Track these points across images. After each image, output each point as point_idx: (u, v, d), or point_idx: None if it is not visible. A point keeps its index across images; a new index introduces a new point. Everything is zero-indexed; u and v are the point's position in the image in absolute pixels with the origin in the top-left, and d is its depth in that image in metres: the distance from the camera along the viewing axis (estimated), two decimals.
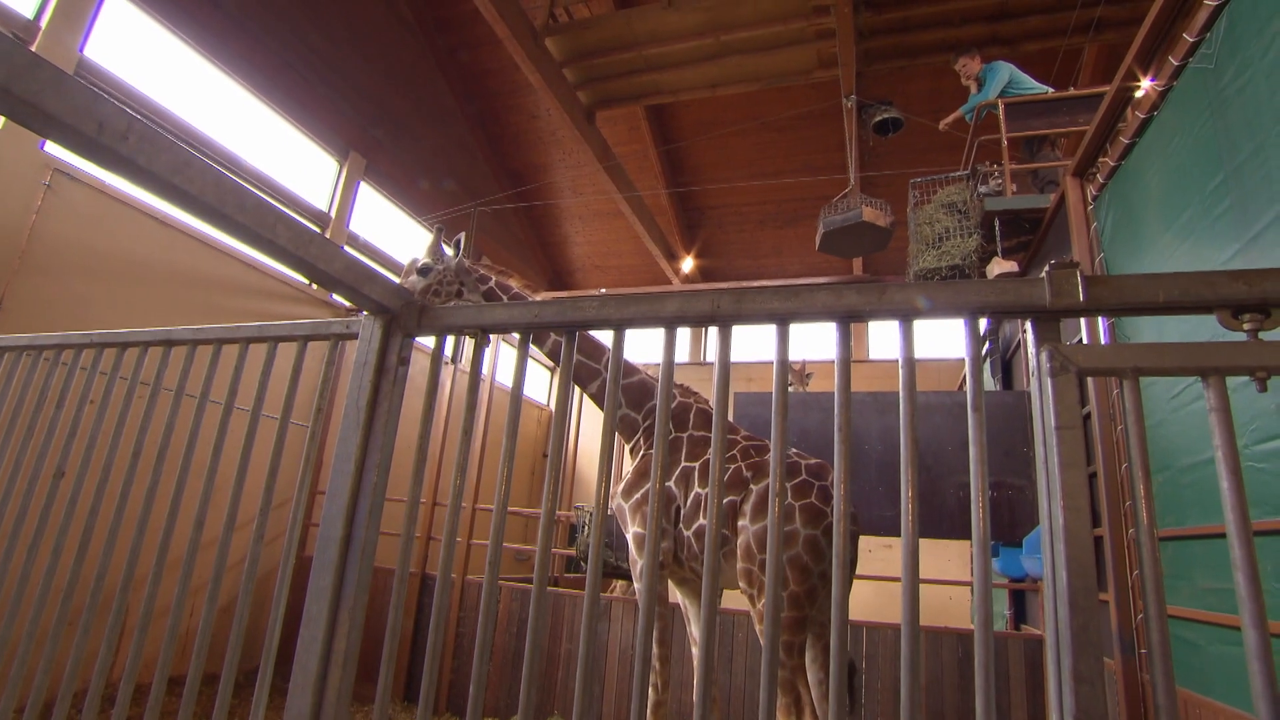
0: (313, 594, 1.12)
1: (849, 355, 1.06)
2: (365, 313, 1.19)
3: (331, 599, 1.10)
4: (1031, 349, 0.92)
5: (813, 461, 3.27)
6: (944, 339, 10.80)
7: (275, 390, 1.39)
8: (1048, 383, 0.85)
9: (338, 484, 1.10)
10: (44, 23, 5.21)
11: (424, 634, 5.98)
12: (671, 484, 3.30)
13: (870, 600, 7.67)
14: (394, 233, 9.16)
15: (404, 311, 1.15)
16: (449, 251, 3.54)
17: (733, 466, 3.31)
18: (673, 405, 3.55)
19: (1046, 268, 0.89)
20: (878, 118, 7.70)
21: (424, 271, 3.44)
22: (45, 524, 1.72)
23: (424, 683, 1.03)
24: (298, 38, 7.53)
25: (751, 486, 3.14)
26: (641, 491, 3.21)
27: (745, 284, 10.16)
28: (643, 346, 12.36)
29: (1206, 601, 2.43)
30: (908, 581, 0.93)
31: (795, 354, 8.56)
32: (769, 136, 9.95)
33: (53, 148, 5.33)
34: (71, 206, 5.39)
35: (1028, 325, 0.97)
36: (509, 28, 6.61)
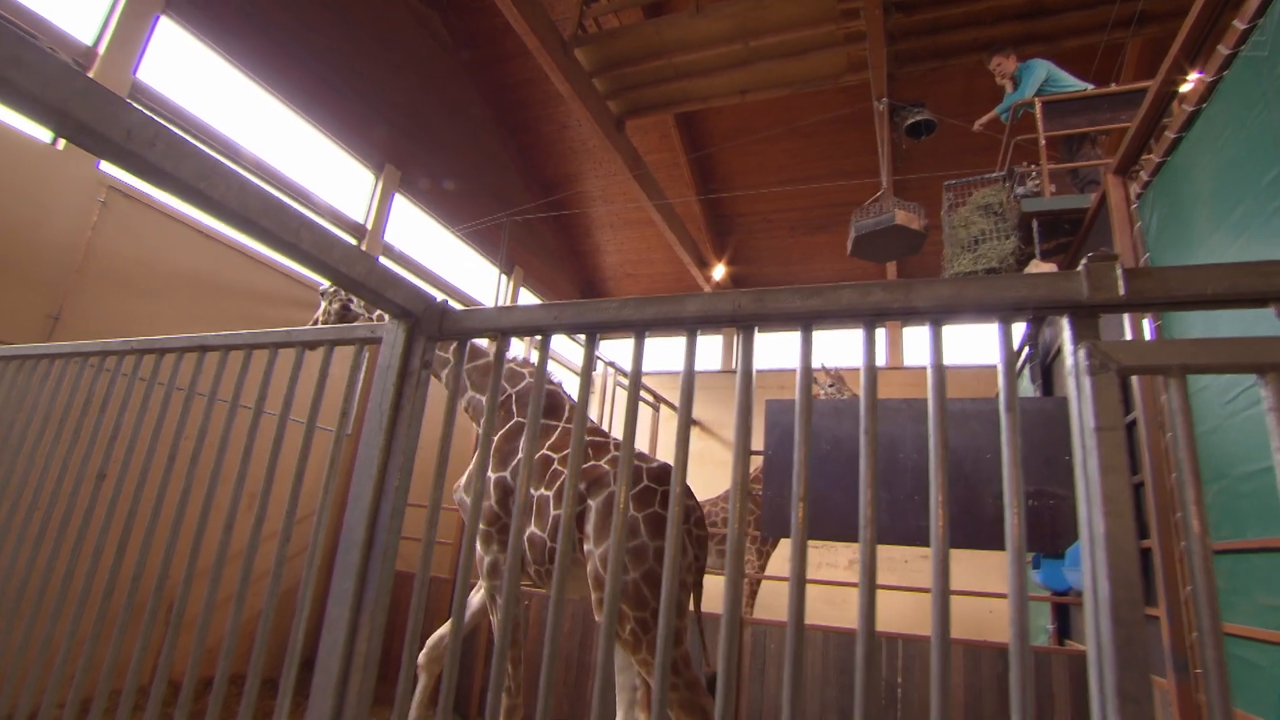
0: (335, 597, 1.13)
1: (874, 358, 1.03)
2: (389, 317, 1.20)
3: (353, 602, 1.11)
4: (1069, 347, 0.88)
5: (654, 465, 3.02)
6: (981, 344, 10.54)
7: (304, 396, 1.41)
8: (1086, 382, 0.81)
9: (361, 487, 1.10)
10: (102, 49, 5.45)
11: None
12: (507, 475, 3.03)
13: (908, 612, 7.48)
14: (429, 243, 9.32)
15: (426, 315, 1.16)
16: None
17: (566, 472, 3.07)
18: (518, 386, 3.35)
19: (1084, 261, 0.84)
20: (910, 120, 7.58)
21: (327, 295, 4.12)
22: (88, 525, 1.77)
23: (444, 687, 1.03)
24: (336, 56, 7.74)
25: (589, 501, 2.86)
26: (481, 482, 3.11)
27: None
28: (665, 354, 12.34)
29: (1267, 619, 2.30)
30: (938, 590, 0.89)
31: (831, 360, 8.44)
32: (799, 142, 9.88)
33: (108, 166, 5.55)
34: (124, 222, 5.61)
35: (1064, 324, 0.92)
36: (539, 39, 6.69)
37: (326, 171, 7.68)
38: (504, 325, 1.10)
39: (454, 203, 9.54)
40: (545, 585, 3.26)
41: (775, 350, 11.76)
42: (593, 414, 11.80)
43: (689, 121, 10.07)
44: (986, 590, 6.31)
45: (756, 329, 1.09)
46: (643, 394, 9.81)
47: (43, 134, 5.23)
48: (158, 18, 5.88)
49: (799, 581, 0.95)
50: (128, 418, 1.82)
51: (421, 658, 3.22)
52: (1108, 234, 3.64)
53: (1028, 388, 6.20)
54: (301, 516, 6.23)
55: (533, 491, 3.03)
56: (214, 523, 1.53)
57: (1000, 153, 5.93)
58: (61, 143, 5.29)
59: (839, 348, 11.51)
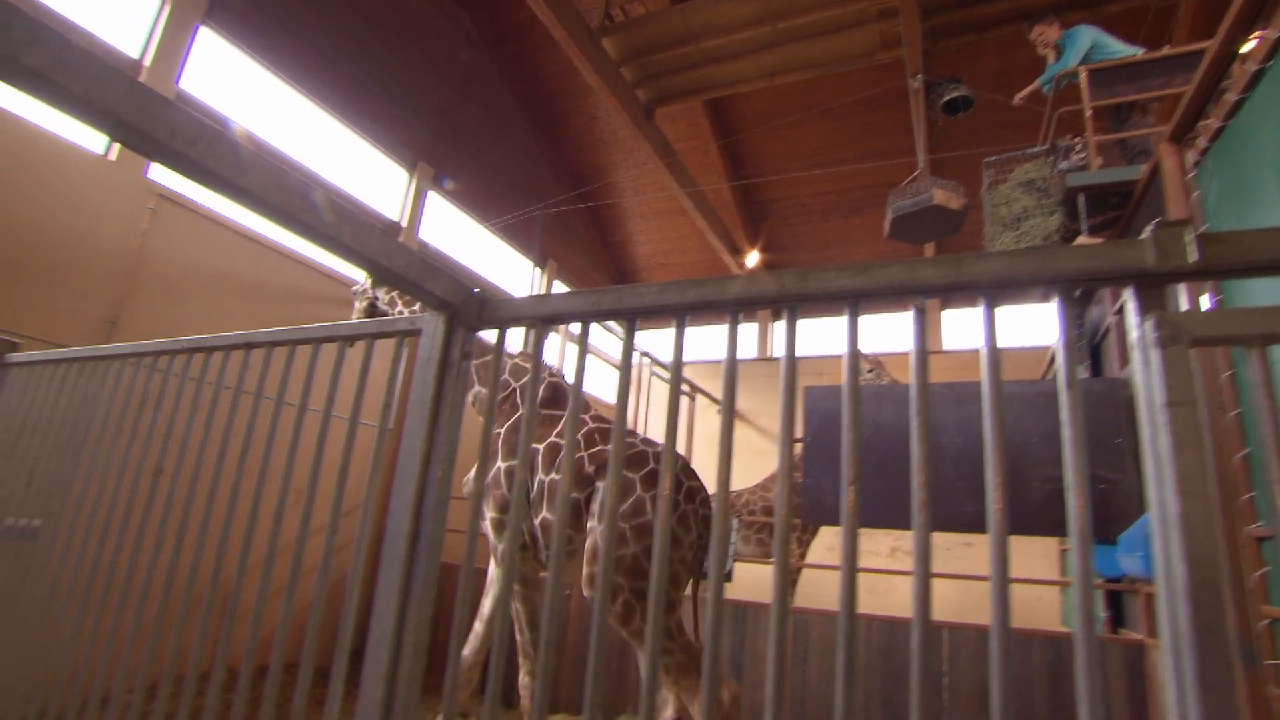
0: (382, 588, 1.14)
1: (924, 337, 0.99)
2: (429, 309, 1.20)
3: (400, 592, 1.12)
4: (1133, 319, 0.83)
5: (661, 449, 3.09)
6: (1023, 326, 10.23)
7: (346, 392, 1.43)
8: (1154, 355, 0.77)
9: (405, 478, 1.11)
10: (147, 60, 5.63)
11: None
12: (516, 464, 3.15)
13: (951, 600, 7.33)
14: (462, 239, 9.42)
15: (465, 306, 1.16)
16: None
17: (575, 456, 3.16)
18: (522, 380, 3.41)
19: (1150, 227, 0.80)
20: (946, 97, 7.35)
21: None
22: (148, 519, 1.83)
23: (491, 677, 1.03)
24: (368, 58, 7.85)
25: (597, 484, 2.98)
26: (490, 475, 3.13)
27: None
28: (701, 343, 12.27)
29: None
30: (997, 576, 0.85)
31: (866, 345, 8.29)
32: (831, 124, 9.69)
33: (155, 174, 5.74)
34: (173, 228, 5.79)
35: (1127, 296, 0.87)
36: (566, 30, 6.67)
37: (361, 171, 7.82)
38: (543, 313, 1.09)
39: (486, 198, 9.62)
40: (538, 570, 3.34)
41: (813, 336, 11.62)
42: (628, 404, 11.81)
43: (718, 107, 9.96)
44: (1033, 578, 6.16)
45: (800, 310, 1.06)
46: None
47: (95, 145, 5.42)
48: (197, 27, 6.03)
49: (850, 568, 0.92)
50: (180, 415, 1.88)
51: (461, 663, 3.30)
52: (1160, 206, 3.48)
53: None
54: (347, 510, 6.38)
55: (543, 478, 3.12)
56: (264, 517, 1.57)
57: (1042, 126, 5.72)
58: (114, 153, 5.48)
59: (877, 333, 11.31)
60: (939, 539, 8.77)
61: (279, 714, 4.63)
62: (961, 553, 8.72)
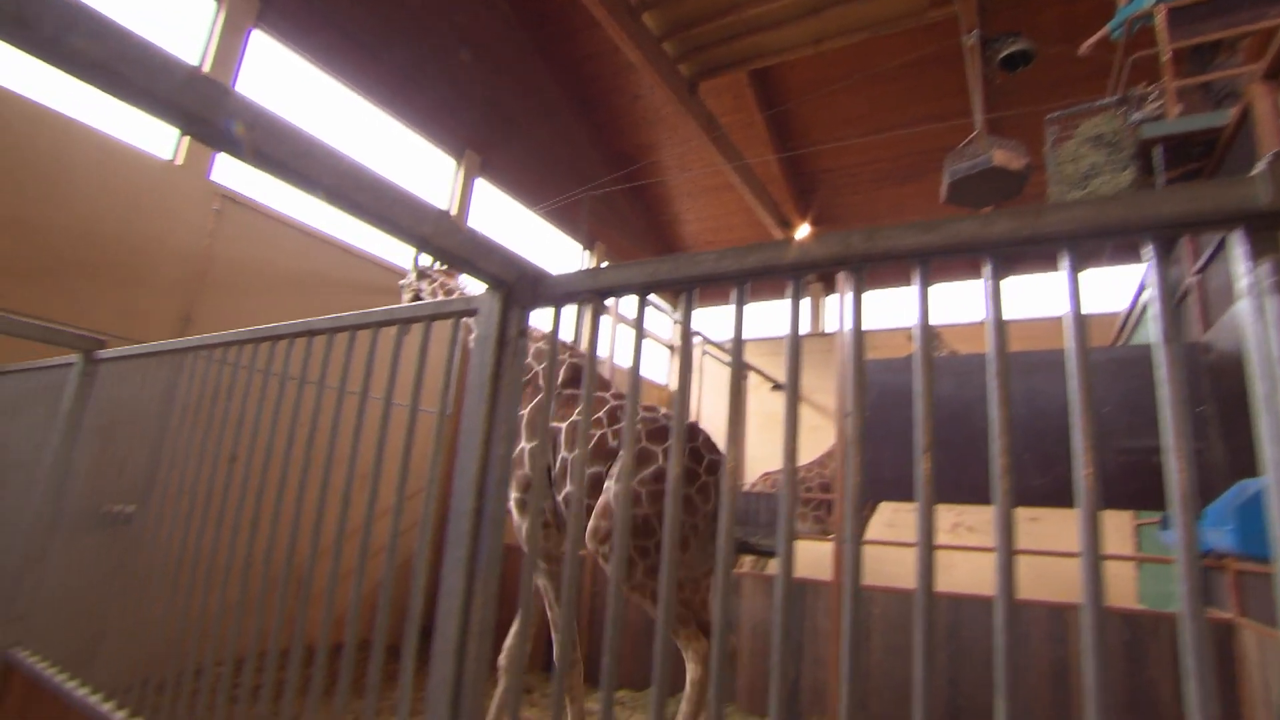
0: (449, 566, 1.16)
1: (999, 298, 0.93)
2: (485, 288, 1.20)
3: (466, 570, 1.13)
4: (1243, 265, 0.76)
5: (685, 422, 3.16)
6: (1092, 290, 9.71)
7: (405, 378, 1.45)
8: (1271, 303, 0.70)
9: (466, 457, 1.12)
10: (206, 67, 5.83)
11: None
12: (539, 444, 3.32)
13: (1017, 576, 7.07)
14: (511, 225, 9.50)
15: (520, 283, 1.15)
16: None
17: (598, 433, 3.21)
18: (544, 364, 3.46)
19: (1265, 160, 0.72)
20: (1005, 52, 6.97)
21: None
22: (226, 504, 1.92)
23: (557, 651, 1.03)
24: (413, 49, 7.95)
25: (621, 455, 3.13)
26: (514, 453, 3.28)
27: None
28: (751, 319, 12.09)
29: None
30: (1088, 548, 0.80)
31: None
32: (880, 89, 9.33)
33: (218, 175, 5.97)
34: (237, 228, 6.03)
35: (1234, 240, 0.80)
36: (606, 9, 6.60)
37: (410, 162, 7.96)
38: (598, 286, 1.07)
39: (533, 182, 9.67)
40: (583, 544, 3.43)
41: (867, 310, 11.30)
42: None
43: (763, 78, 9.71)
44: (1107, 554, 5.89)
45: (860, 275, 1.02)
46: (730, 360, 9.68)
47: (163, 150, 5.67)
48: (250, 30, 6.22)
49: (926, 543, 0.88)
50: (250, 404, 1.95)
51: (501, 659, 3.40)
52: (1251, 153, 3.22)
53: (1145, 335, 5.66)
54: (411, 493, 6.58)
55: (565, 455, 3.23)
56: (332, 500, 1.61)
57: (1112, 76, 5.36)
58: (180, 156, 5.72)
59: (934, 303, 10.96)
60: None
61: (355, 689, 4.83)
62: (1027, 528, 8.41)
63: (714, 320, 11.81)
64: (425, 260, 4.85)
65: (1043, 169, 5.32)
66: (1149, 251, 0.85)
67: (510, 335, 1.15)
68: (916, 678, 0.88)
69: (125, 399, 2.58)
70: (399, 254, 7.27)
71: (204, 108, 0.82)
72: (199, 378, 2.21)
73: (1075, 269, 0.88)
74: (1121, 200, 0.81)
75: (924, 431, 0.87)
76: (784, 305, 1.05)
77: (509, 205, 9.46)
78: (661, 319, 11.63)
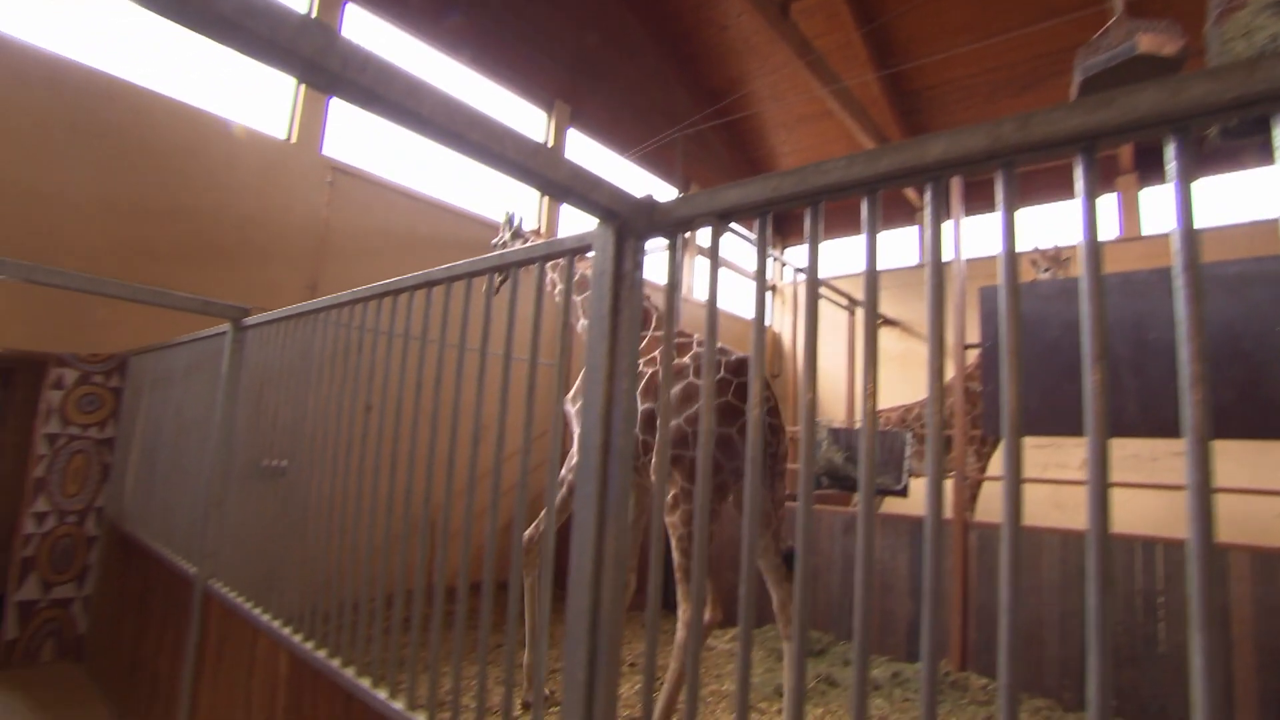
0: (580, 500, 1.17)
1: (1188, 183, 0.80)
2: (597, 223, 1.18)
3: (598, 503, 1.14)
4: None
5: (734, 358, 3.17)
6: (1243, 197, 8.47)
7: (525, 320, 1.48)
8: None
9: (592, 393, 1.12)
10: None
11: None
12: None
13: (1160, 515, 6.51)
14: (605, 173, 9.46)
15: (633, 214, 1.12)
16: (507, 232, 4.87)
17: (650, 371, 3.26)
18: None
19: None
20: None
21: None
22: (365, 451, 2.06)
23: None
24: (497, 3, 7.93)
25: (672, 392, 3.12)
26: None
27: None
28: (856, 254, 11.51)
29: None
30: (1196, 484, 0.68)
31: (1043, 240, 7.34)
32: None
33: (330, 149, 6.29)
34: (349, 197, 6.37)
35: None
36: None
37: (501, 118, 8.03)
38: (718, 207, 1.02)
39: (624, 128, 9.55)
40: (641, 477, 3.48)
41: (979, 235, 10.54)
42: (782, 323, 11.53)
43: None
44: (1270, 488, 5.29)
45: (1016, 168, 0.90)
46: (835, 296, 9.33)
47: (278, 130, 6.02)
48: (345, 4, 6.41)
49: (1100, 481, 0.79)
50: (379, 357, 2.06)
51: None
52: None
53: None
54: (537, 435, 6.88)
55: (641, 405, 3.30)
56: (462, 444, 1.69)
57: None
58: (294, 135, 6.06)
59: (1052, 226, 10.02)
60: (1142, 447, 7.79)
61: (496, 623, 5.20)
62: (1172, 463, 7.70)
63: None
64: (519, 221, 4.90)
65: (1202, 53, 4.61)
66: None
67: (626, 269, 1.12)
68: (1093, 617, 0.80)
69: (270, 361, 2.81)
70: (498, 210, 7.45)
71: (319, 53, 0.82)
72: (330, 335, 2.36)
73: None
74: None
75: (1094, 344, 0.76)
76: (886, 237, 0.95)
77: (601, 154, 9.40)
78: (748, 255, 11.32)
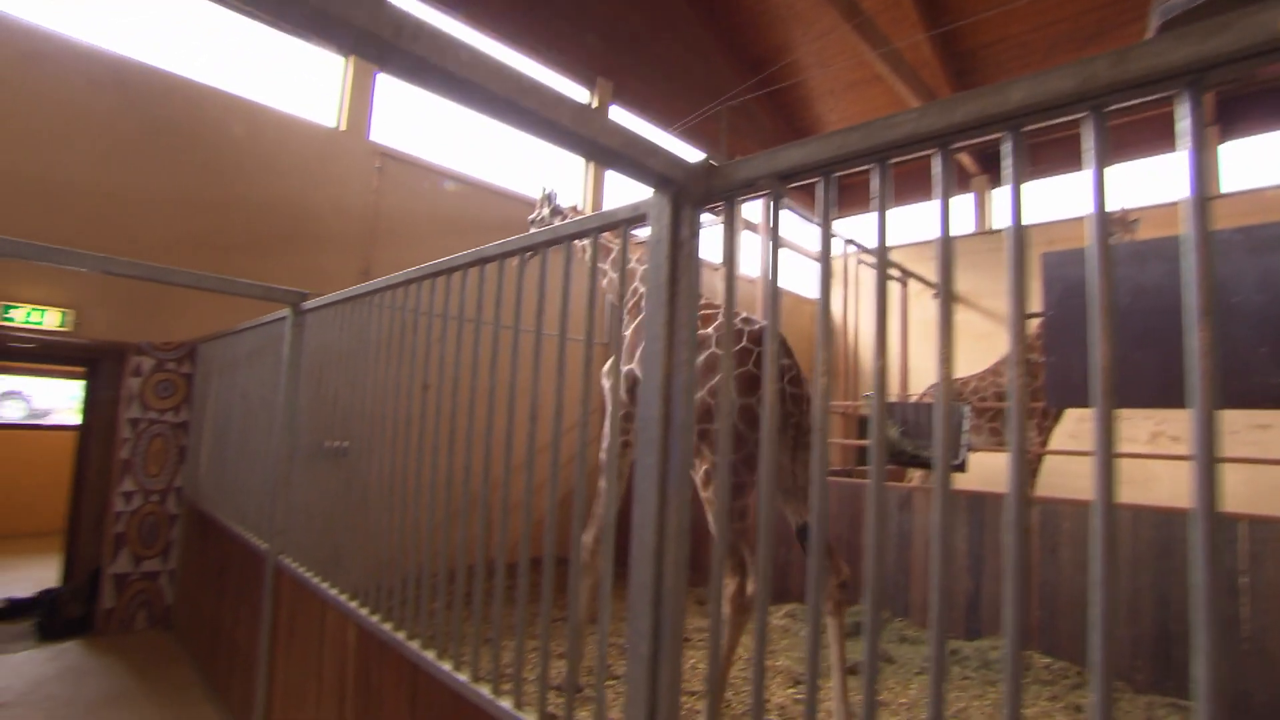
0: (641, 472, 1.16)
1: None
2: (654, 191, 1.15)
3: (659, 475, 1.13)
4: None
5: (756, 327, 3.13)
6: None
7: (581, 295, 1.46)
8: None
9: (651, 363, 1.10)
10: None
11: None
12: (635, 367, 3.29)
13: (1240, 491, 6.15)
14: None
15: (690, 180, 1.08)
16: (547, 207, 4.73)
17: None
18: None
19: None
20: None
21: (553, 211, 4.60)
22: (424, 428, 2.09)
23: (760, 578, 1.00)
24: None
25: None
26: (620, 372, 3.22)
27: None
28: (911, 224, 11.13)
29: None
30: None
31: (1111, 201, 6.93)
32: None
33: (377, 136, 6.39)
34: (397, 182, 6.47)
35: None
36: None
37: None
38: (780, 168, 0.97)
39: (667, 102, 9.42)
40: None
41: (1039, 199, 10.07)
42: (835, 298, 11.27)
43: None
44: None
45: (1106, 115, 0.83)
46: (889, 269, 9.04)
47: (328, 119, 6.13)
48: None
49: (1207, 454, 0.73)
50: (434, 337, 2.08)
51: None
52: None
53: None
54: (593, 409, 6.95)
55: None
56: (520, 420, 1.69)
57: None
58: (343, 122, 6.17)
59: (1125, 185, 9.46)
60: (1225, 420, 7.36)
61: (556, 599, 5.30)
62: (1254, 436, 7.25)
63: (868, 228, 11.05)
64: (556, 197, 4.85)
65: None
66: None
67: (683, 236, 1.09)
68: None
69: (329, 344, 2.88)
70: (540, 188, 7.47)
71: (371, 21, 0.81)
72: (386, 316, 2.40)
73: None
74: None
75: (1202, 295, 0.70)
76: (934, 207, 0.89)
77: (645, 129, 9.29)
78: (795, 229, 11.07)
